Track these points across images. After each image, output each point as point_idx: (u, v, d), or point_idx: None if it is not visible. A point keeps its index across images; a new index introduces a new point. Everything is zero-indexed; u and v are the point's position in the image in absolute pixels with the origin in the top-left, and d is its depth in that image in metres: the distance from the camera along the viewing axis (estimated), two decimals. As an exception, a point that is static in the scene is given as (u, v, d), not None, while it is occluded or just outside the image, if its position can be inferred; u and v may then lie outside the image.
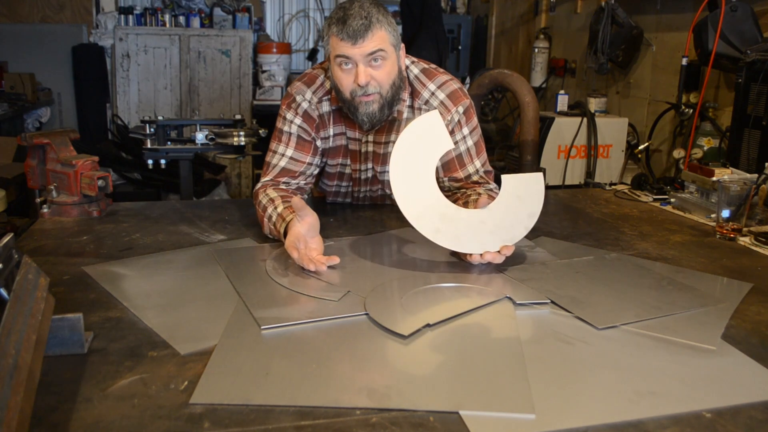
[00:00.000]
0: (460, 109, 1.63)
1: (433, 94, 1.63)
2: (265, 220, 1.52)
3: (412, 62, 1.67)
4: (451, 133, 1.62)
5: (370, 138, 1.68)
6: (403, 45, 1.57)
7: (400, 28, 1.62)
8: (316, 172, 1.71)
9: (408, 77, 1.64)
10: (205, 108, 5.30)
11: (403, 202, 1.37)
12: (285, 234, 1.46)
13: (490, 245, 1.36)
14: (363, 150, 1.70)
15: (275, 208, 1.51)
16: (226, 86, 5.35)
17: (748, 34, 2.34)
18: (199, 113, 5.16)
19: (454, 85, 1.65)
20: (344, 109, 1.60)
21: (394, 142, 1.68)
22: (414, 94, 1.64)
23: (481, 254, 1.36)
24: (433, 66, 1.69)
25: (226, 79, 5.34)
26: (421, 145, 1.38)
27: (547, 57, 4.09)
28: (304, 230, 1.36)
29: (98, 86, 5.25)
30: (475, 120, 1.67)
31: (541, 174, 1.40)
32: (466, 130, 1.64)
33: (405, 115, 1.65)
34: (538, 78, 4.10)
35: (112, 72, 5.29)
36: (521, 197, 1.38)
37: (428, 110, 1.63)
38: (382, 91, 1.52)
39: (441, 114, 1.61)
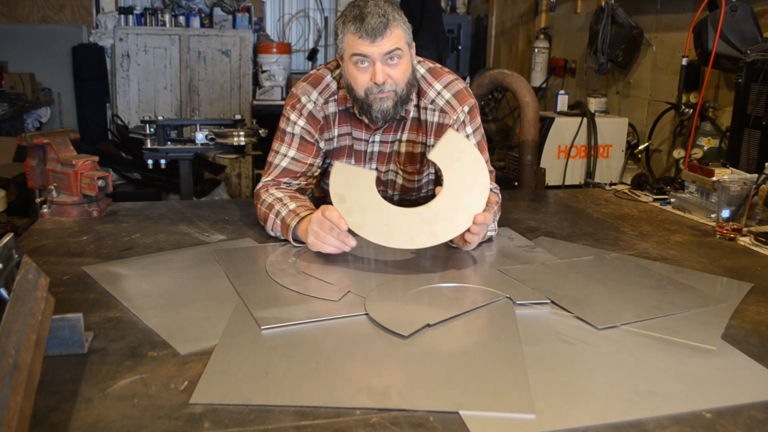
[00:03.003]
0: (465, 109, 1.63)
1: (439, 93, 1.63)
2: (272, 216, 1.52)
3: (419, 62, 1.67)
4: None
5: (377, 138, 1.68)
6: (414, 43, 1.57)
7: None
8: (317, 173, 1.71)
9: (414, 76, 1.64)
10: (205, 108, 5.30)
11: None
12: (294, 231, 1.46)
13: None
14: (369, 150, 1.70)
15: (285, 205, 1.51)
16: (226, 86, 5.35)
17: (748, 34, 2.34)
18: (199, 113, 5.16)
19: (460, 84, 1.65)
20: (354, 108, 1.60)
21: (401, 141, 1.68)
22: (420, 93, 1.64)
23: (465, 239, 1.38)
24: (439, 65, 1.69)
25: (226, 79, 5.34)
26: None
27: (547, 57, 4.09)
28: (328, 213, 1.37)
29: (98, 86, 5.25)
30: (478, 120, 1.67)
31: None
32: (469, 129, 1.64)
33: (411, 114, 1.65)
34: (538, 78, 4.10)
35: (112, 72, 5.29)
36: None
37: (434, 109, 1.63)
38: (398, 89, 1.52)
39: (446, 112, 1.62)
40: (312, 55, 5.78)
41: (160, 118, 2.92)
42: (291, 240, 1.49)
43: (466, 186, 1.37)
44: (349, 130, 1.68)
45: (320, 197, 1.98)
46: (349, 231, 1.37)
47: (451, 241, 1.42)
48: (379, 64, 1.46)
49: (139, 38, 5.21)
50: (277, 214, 1.51)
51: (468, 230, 1.37)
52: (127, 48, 5.21)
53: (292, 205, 1.51)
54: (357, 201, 1.36)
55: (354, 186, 1.37)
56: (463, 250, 1.47)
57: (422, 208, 1.37)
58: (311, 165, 1.66)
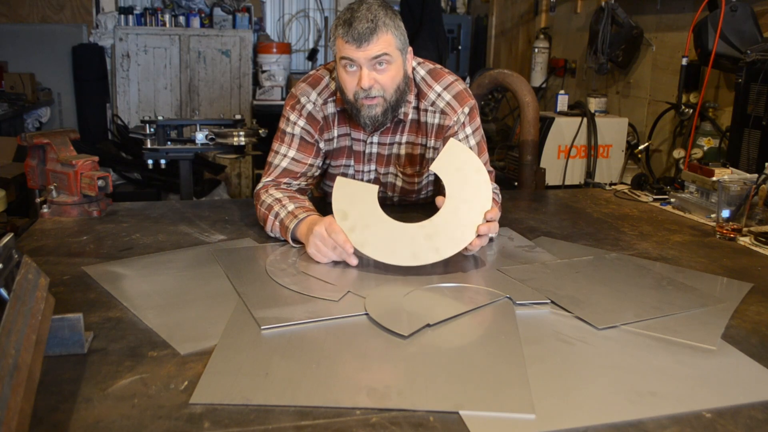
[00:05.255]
0: (465, 110, 1.63)
1: (439, 95, 1.63)
2: (271, 217, 1.52)
3: (419, 63, 1.66)
4: (455, 133, 1.63)
5: (375, 139, 1.68)
6: (410, 48, 1.57)
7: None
8: (317, 173, 1.71)
9: (414, 79, 1.64)
10: (205, 108, 5.30)
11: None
12: (293, 232, 1.46)
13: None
14: (367, 151, 1.70)
15: (284, 206, 1.51)
16: (226, 86, 5.35)
17: (748, 34, 2.34)
18: (199, 113, 5.16)
19: (460, 86, 1.65)
20: (348, 110, 1.60)
21: (398, 144, 1.68)
22: (420, 95, 1.64)
23: (471, 243, 1.36)
24: (439, 66, 1.69)
25: (226, 79, 5.34)
26: None
27: (547, 57, 4.09)
28: (334, 234, 1.37)
29: (98, 86, 5.25)
30: (478, 120, 1.67)
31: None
32: (469, 130, 1.64)
33: (410, 116, 1.65)
34: (538, 78, 4.10)
35: (112, 72, 5.29)
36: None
37: (434, 111, 1.63)
38: (386, 95, 1.51)
39: (447, 114, 1.62)
40: (312, 55, 5.78)
41: (160, 118, 2.92)
42: (290, 241, 1.49)
43: (468, 198, 1.37)
44: (348, 131, 1.68)
45: (319, 197, 1.98)
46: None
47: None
48: (365, 69, 1.46)
49: (139, 38, 5.21)
50: (276, 215, 1.51)
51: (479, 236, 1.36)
52: (127, 48, 5.21)
53: (291, 207, 1.50)
54: (359, 217, 1.37)
55: (356, 201, 1.38)
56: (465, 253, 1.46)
57: (425, 223, 1.36)
58: (311, 165, 1.65)
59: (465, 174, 1.38)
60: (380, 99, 1.51)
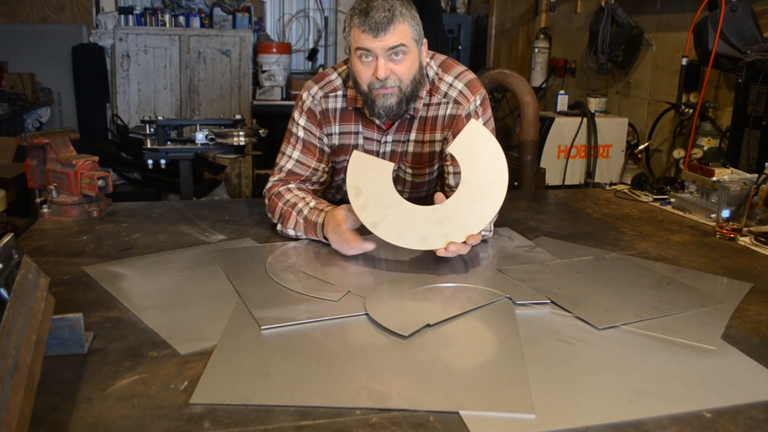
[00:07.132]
0: (478, 99, 1.61)
1: (451, 85, 1.61)
2: (294, 213, 1.53)
3: (431, 57, 1.65)
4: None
5: (389, 138, 1.67)
6: (425, 40, 1.55)
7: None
8: (323, 179, 1.70)
9: (428, 74, 1.62)
10: (205, 108, 5.30)
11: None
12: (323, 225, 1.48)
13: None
14: (381, 150, 1.68)
15: (307, 203, 1.53)
16: (226, 86, 5.34)
17: (748, 34, 2.34)
18: (199, 113, 5.16)
19: (470, 75, 1.64)
20: (360, 104, 1.58)
21: (411, 141, 1.67)
22: (432, 90, 1.62)
23: (444, 247, 1.35)
24: (450, 58, 1.68)
25: (226, 79, 5.34)
26: None
27: (547, 57, 4.09)
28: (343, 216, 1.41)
29: (98, 86, 5.25)
30: (489, 111, 1.65)
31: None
32: (481, 121, 1.63)
33: (420, 113, 1.63)
34: (538, 78, 4.10)
35: (112, 72, 5.29)
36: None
37: (447, 102, 1.63)
38: (402, 86, 1.50)
39: (460, 103, 1.61)
40: (312, 55, 5.78)
41: (160, 118, 2.92)
42: (319, 236, 1.50)
43: (484, 185, 1.36)
44: (358, 130, 1.66)
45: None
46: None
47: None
48: (381, 59, 1.45)
49: (139, 38, 5.21)
50: (300, 211, 1.52)
51: (464, 242, 1.36)
52: (127, 48, 5.21)
53: (313, 203, 1.53)
54: (372, 195, 1.36)
55: (370, 178, 1.37)
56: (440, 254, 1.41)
57: (437, 207, 1.36)
58: (315, 169, 1.65)
59: (483, 158, 1.36)
60: (396, 89, 1.49)
